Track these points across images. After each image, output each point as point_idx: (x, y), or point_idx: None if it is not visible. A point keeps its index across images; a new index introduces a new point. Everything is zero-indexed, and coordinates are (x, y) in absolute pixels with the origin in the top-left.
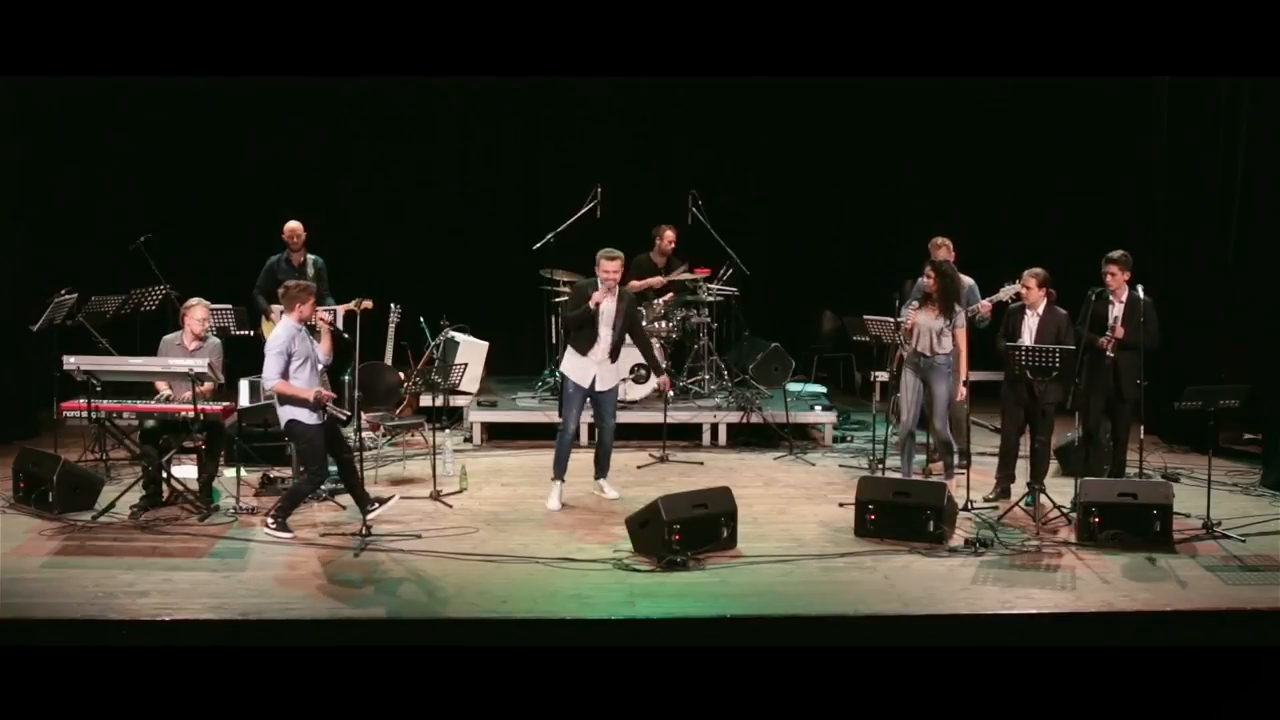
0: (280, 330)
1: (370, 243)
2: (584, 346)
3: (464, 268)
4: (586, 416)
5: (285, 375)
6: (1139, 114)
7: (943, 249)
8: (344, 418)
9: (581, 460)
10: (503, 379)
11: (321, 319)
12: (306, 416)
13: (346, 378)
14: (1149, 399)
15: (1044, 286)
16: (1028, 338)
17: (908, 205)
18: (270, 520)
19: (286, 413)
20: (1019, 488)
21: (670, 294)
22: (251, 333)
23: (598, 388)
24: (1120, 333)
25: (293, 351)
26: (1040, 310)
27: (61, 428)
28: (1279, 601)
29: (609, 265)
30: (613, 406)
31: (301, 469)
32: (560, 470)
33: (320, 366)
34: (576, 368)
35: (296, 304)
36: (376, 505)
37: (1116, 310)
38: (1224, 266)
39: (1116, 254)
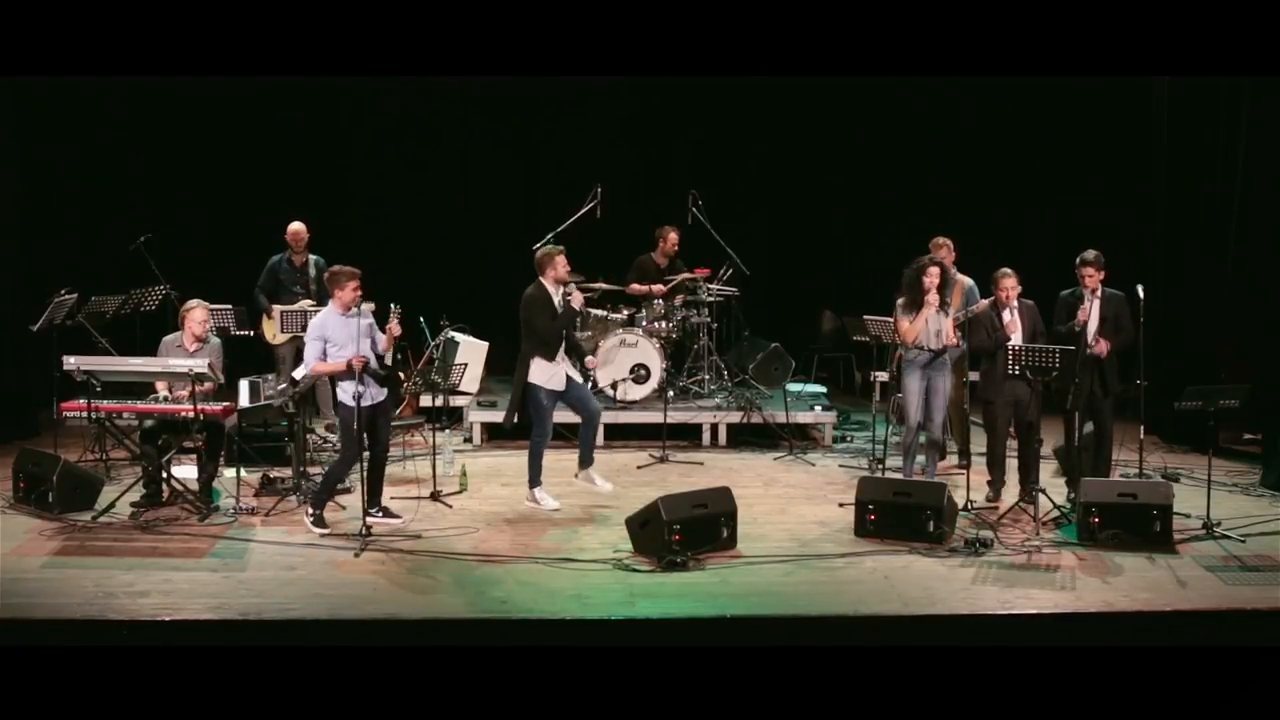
0: (316, 318)
1: (370, 243)
2: (554, 352)
3: (464, 268)
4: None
5: (324, 359)
6: (1139, 114)
7: (943, 249)
8: (382, 374)
9: (563, 460)
10: (503, 379)
11: (391, 330)
12: (347, 398)
13: None
14: (1149, 399)
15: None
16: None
17: (908, 205)
18: (309, 511)
19: (337, 394)
20: (1012, 488)
21: (680, 295)
22: (251, 333)
23: (571, 383)
24: (1103, 348)
25: (327, 337)
26: (1014, 305)
27: (61, 428)
28: (1279, 601)
29: (564, 260)
30: (588, 390)
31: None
32: (539, 475)
33: (380, 354)
34: (548, 376)
35: (335, 289)
36: (381, 514)
37: (1091, 308)
38: (1224, 267)
39: (1091, 255)
